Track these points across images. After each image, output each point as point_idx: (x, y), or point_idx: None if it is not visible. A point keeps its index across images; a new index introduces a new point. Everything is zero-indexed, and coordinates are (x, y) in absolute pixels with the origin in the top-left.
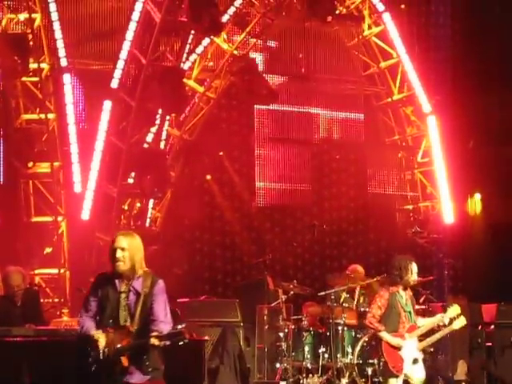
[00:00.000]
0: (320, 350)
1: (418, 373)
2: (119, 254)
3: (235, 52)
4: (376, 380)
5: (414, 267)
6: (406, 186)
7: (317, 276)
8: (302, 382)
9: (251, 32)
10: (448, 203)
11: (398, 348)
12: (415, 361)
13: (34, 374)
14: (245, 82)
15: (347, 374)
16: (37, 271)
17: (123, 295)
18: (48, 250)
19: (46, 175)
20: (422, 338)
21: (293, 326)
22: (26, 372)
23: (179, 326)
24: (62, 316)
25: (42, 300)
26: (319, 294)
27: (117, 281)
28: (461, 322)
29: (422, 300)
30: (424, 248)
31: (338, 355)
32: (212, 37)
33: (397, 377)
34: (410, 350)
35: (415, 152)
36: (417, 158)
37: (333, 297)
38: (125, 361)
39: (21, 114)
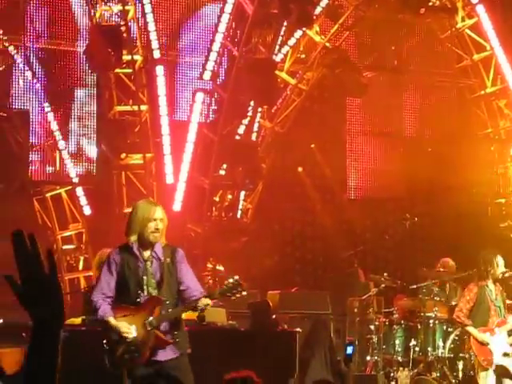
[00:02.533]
0: (411, 344)
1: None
2: (160, 225)
3: (327, 44)
4: (467, 374)
5: (499, 260)
6: (498, 180)
7: (408, 269)
8: (392, 375)
9: (344, 24)
10: None
11: (486, 343)
12: (505, 354)
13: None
14: (336, 74)
15: (438, 367)
16: None
17: (148, 263)
18: None
19: (138, 166)
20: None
21: (384, 319)
22: None
23: (233, 279)
24: None
25: None
26: (410, 287)
27: (137, 251)
28: None
29: None
30: None
31: (429, 349)
32: (304, 29)
33: (487, 370)
34: (500, 344)
35: (508, 145)
36: (510, 152)
37: (424, 290)
38: (158, 336)
39: (114, 105)
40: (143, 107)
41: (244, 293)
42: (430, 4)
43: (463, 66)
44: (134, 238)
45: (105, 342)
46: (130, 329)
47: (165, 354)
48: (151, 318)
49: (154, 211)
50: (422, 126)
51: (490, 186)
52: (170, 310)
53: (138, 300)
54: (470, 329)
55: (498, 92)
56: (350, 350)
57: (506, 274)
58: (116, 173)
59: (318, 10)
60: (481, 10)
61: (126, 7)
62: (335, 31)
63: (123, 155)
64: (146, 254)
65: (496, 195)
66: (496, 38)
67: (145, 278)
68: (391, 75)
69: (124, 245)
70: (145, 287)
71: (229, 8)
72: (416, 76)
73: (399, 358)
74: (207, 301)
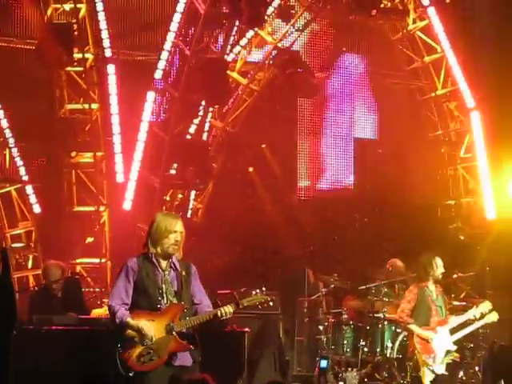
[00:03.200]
0: (359, 344)
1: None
2: (179, 238)
3: (279, 45)
4: (414, 375)
5: (437, 261)
6: (448, 181)
7: (357, 270)
8: (341, 375)
9: (295, 25)
10: (490, 199)
11: (429, 340)
12: (448, 352)
13: (74, 362)
14: (287, 74)
15: (386, 368)
16: (78, 261)
17: (166, 272)
18: (90, 239)
19: (88, 165)
20: (453, 331)
21: (333, 320)
22: (67, 360)
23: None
24: (102, 305)
25: (83, 289)
26: (360, 288)
27: (156, 260)
28: (493, 316)
29: (462, 295)
30: (465, 243)
31: (378, 349)
32: (256, 29)
33: (430, 367)
34: (443, 341)
35: (458, 147)
36: (459, 154)
37: (373, 291)
38: (178, 341)
39: (65, 103)
40: (94, 106)
41: (271, 302)
42: (382, 6)
43: (414, 68)
44: (152, 248)
45: (119, 344)
46: (150, 328)
47: (182, 360)
48: (172, 324)
49: (176, 224)
50: (373, 128)
51: (440, 187)
52: (191, 317)
53: (159, 306)
54: (413, 327)
55: (448, 94)
56: (324, 363)
57: (454, 275)
58: (66, 171)
59: (270, 10)
60: (432, 12)
61: (78, 5)
62: (287, 32)
63: (73, 153)
64: (164, 264)
65: (446, 197)
66: (447, 40)
67: (164, 286)
68: (342, 76)
69: (142, 254)
70: (164, 295)
71: (181, 7)
72: (367, 77)
73: (348, 359)
74: (230, 309)
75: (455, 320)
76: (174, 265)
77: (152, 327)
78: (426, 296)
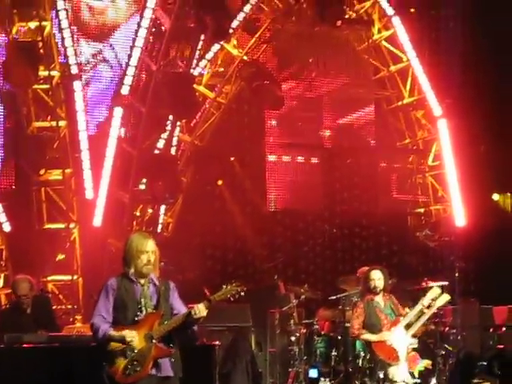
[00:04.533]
0: (331, 354)
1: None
2: (152, 257)
3: (245, 57)
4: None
5: (372, 274)
6: (417, 190)
7: (329, 280)
8: None
9: (261, 37)
10: (459, 206)
11: (386, 341)
12: (409, 347)
13: (45, 380)
14: (254, 87)
15: (359, 377)
16: (49, 278)
17: (145, 287)
18: (61, 256)
19: (57, 182)
20: (410, 326)
21: (304, 330)
22: (38, 378)
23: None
24: (75, 322)
25: (54, 306)
26: (330, 298)
27: (134, 278)
28: (444, 298)
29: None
30: (435, 251)
31: (350, 358)
32: (221, 42)
33: (396, 365)
34: (400, 338)
35: (426, 155)
36: (428, 162)
37: (344, 300)
38: (159, 347)
39: (32, 121)
40: (61, 123)
41: (242, 293)
42: (347, 16)
43: (380, 77)
44: (127, 269)
45: (105, 361)
46: (133, 335)
47: (165, 370)
48: (151, 332)
49: (146, 244)
50: (340, 137)
51: (409, 195)
52: (167, 322)
53: (137, 319)
54: (366, 336)
55: (415, 102)
56: (313, 373)
57: (423, 284)
58: (35, 189)
59: (235, 23)
60: (397, 21)
61: (43, 23)
62: (252, 44)
63: (42, 171)
64: (142, 280)
65: (415, 205)
66: (412, 49)
67: (143, 300)
68: (309, 87)
69: (121, 274)
70: (143, 308)
71: (146, 23)
72: (334, 88)
73: (320, 369)
74: (202, 307)
75: (407, 316)
76: (153, 280)
77: (134, 337)
78: (373, 308)
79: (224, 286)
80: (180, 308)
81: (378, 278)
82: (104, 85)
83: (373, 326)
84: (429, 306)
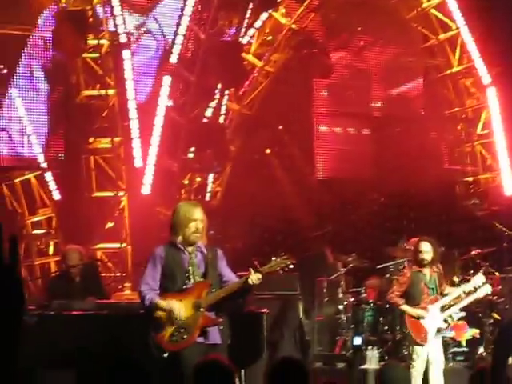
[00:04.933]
0: (379, 323)
1: (436, 347)
2: (200, 225)
3: (293, 26)
4: None
5: (421, 246)
6: (465, 158)
7: (377, 249)
8: (361, 353)
9: (309, 6)
10: (508, 175)
11: (420, 318)
12: (439, 330)
13: (94, 347)
14: (303, 56)
15: (406, 345)
16: (98, 246)
17: (193, 255)
18: (110, 224)
19: (106, 150)
20: (446, 308)
21: (352, 299)
22: (86, 345)
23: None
24: (123, 290)
25: (103, 274)
26: (377, 267)
27: (182, 246)
28: (485, 289)
29: (481, 272)
30: (483, 220)
31: (397, 327)
32: (270, 11)
33: (422, 345)
34: (433, 319)
35: (475, 124)
36: (476, 130)
37: (392, 269)
38: (206, 316)
39: (81, 90)
40: (110, 91)
41: (291, 266)
42: None
43: (429, 46)
44: (175, 237)
45: (151, 327)
46: (179, 306)
47: (213, 338)
48: (199, 300)
49: (195, 212)
50: (390, 106)
51: (458, 164)
52: (217, 290)
53: (185, 287)
54: (404, 307)
55: (464, 71)
56: (357, 340)
57: (472, 252)
58: (85, 157)
59: None
60: None
61: None
62: (301, 13)
63: (91, 139)
64: (190, 248)
65: (463, 174)
66: (461, 17)
67: (190, 268)
68: (358, 56)
69: (169, 242)
70: (191, 277)
71: None
72: (383, 56)
73: (368, 337)
74: (258, 275)
75: (446, 297)
76: (200, 248)
77: (181, 306)
78: (419, 279)
79: (273, 259)
80: (229, 275)
81: (426, 250)
82: (148, 55)
83: (414, 297)
84: (469, 293)
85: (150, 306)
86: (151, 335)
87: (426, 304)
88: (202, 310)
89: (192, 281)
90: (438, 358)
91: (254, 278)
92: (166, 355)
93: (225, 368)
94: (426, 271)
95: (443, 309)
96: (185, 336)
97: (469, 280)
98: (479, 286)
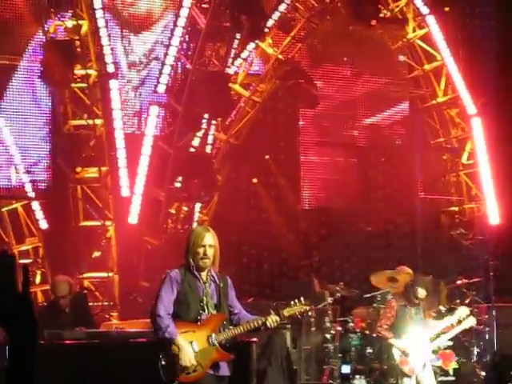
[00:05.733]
0: (367, 352)
1: (427, 377)
2: (209, 251)
3: (280, 56)
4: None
5: (418, 292)
6: (451, 188)
7: (364, 278)
8: (349, 382)
9: (296, 36)
10: (493, 204)
11: (407, 353)
12: (424, 365)
13: (85, 376)
14: (289, 86)
15: (394, 375)
16: (86, 275)
17: (207, 284)
18: (97, 253)
19: (94, 180)
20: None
21: (339, 328)
22: (78, 374)
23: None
24: (111, 319)
25: (91, 303)
26: (365, 296)
27: (197, 272)
28: (470, 321)
29: (467, 301)
30: (469, 249)
31: (385, 356)
32: (256, 41)
33: (410, 377)
34: (421, 351)
35: (460, 154)
36: (462, 160)
37: (379, 298)
38: (220, 351)
39: (69, 119)
40: (98, 121)
41: (310, 312)
42: (381, 15)
43: (415, 76)
44: (188, 261)
45: (161, 355)
46: (194, 339)
47: (223, 370)
48: (214, 334)
49: (203, 237)
50: (375, 136)
51: (443, 194)
52: (234, 327)
53: (199, 318)
54: (392, 340)
55: (449, 101)
56: (346, 368)
57: (458, 281)
58: (72, 186)
59: (271, 22)
60: (431, 20)
61: (80, 21)
62: (288, 43)
63: (79, 169)
64: (204, 276)
65: (449, 203)
66: (446, 48)
67: (205, 298)
68: (343, 86)
69: (183, 266)
70: (205, 307)
71: (182, 22)
72: (368, 87)
73: (356, 366)
74: (277, 318)
75: (432, 329)
76: (213, 277)
77: (194, 339)
78: (405, 313)
79: (292, 303)
80: (239, 307)
81: (422, 297)
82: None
83: (400, 328)
84: (454, 325)
85: (169, 339)
86: (161, 362)
87: (413, 336)
88: (216, 345)
89: (206, 312)
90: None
91: (273, 320)
92: None
93: None
94: (414, 308)
95: (431, 340)
96: (197, 369)
97: (454, 310)
98: (463, 318)
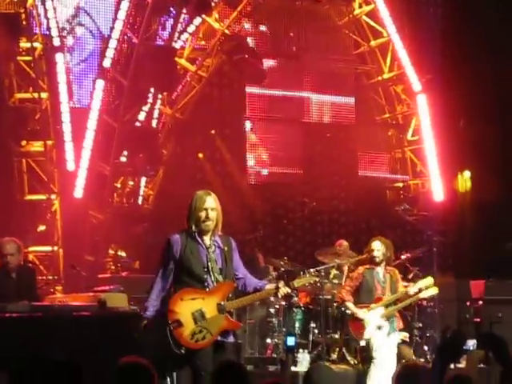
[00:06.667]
0: (310, 326)
1: (379, 339)
2: (211, 214)
3: (226, 31)
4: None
5: (372, 245)
6: (396, 164)
7: (308, 253)
8: (293, 356)
9: (242, 11)
10: (438, 181)
11: (360, 318)
12: (379, 327)
13: (28, 349)
14: (235, 61)
15: (337, 349)
16: (30, 249)
17: (211, 250)
18: (41, 227)
19: (39, 153)
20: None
21: (283, 302)
22: (23, 347)
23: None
24: (55, 293)
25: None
26: (308, 271)
27: (199, 237)
28: (430, 291)
29: (410, 276)
30: (413, 225)
31: (328, 331)
32: (203, 16)
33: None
34: (373, 318)
35: (405, 130)
36: (407, 137)
37: (323, 273)
38: (229, 320)
39: (14, 92)
40: (43, 95)
41: (318, 284)
42: None
43: (361, 52)
44: (190, 225)
45: (171, 321)
46: (203, 306)
47: (230, 337)
48: (224, 303)
49: (205, 201)
50: (321, 112)
51: (388, 170)
52: (244, 297)
53: (206, 284)
54: (348, 304)
55: (395, 78)
56: (291, 341)
57: (402, 256)
58: (17, 160)
59: None
60: None
61: None
62: (234, 18)
63: (24, 142)
64: (207, 241)
65: (394, 180)
66: (392, 24)
67: (209, 264)
68: (290, 62)
69: (184, 230)
70: (211, 273)
71: None
72: (314, 62)
73: (299, 340)
74: (287, 289)
75: (391, 297)
76: (217, 242)
77: (203, 306)
78: (372, 276)
79: (302, 273)
80: (244, 271)
81: (377, 248)
82: (85, 55)
83: (365, 294)
84: (413, 294)
85: (153, 316)
86: (170, 329)
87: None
88: (225, 313)
89: (212, 277)
90: (388, 359)
91: (283, 291)
92: (183, 351)
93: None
94: (379, 269)
95: (386, 307)
96: (207, 336)
97: (417, 279)
98: (426, 287)
